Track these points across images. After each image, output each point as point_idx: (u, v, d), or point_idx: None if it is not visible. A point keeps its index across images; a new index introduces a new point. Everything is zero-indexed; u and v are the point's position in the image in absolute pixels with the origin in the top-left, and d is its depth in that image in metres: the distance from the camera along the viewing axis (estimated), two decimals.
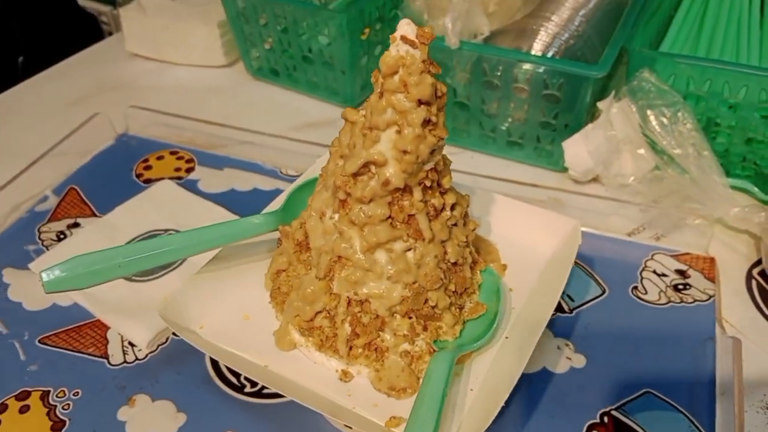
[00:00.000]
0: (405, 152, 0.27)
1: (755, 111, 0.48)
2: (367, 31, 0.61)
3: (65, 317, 0.45)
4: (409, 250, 0.29)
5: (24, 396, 0.40)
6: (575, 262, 0.46)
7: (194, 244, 0.34)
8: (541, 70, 0.50)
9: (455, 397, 0.30)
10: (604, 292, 0.45)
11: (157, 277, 0.46)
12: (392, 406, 0.30)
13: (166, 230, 0.50)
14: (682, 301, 0.44)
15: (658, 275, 0.46)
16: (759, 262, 0.47)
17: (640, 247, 0.48)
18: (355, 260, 0.29)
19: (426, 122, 0.27)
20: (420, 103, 0.26)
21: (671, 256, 0.47)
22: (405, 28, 0.26)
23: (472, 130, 0.57)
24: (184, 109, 0.62)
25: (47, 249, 0.50)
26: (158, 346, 0.42)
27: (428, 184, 0.29)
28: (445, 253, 0.30)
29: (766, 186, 0.51)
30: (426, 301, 0.30)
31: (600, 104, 0.51)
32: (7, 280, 0.47)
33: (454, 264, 0.31)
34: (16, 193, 0.54)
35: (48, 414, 0.39)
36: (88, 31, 1.17)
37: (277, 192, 0.50)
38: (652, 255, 0.47)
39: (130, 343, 0.42)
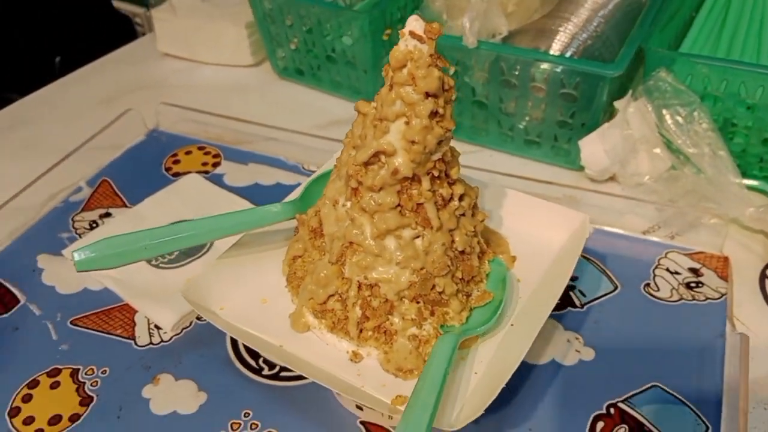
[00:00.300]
0: (413, 142, 0.28)
1: None
2: (388, 31, 0.62)
3: (96, 301, 0.47)
4: (418, 237, 0.30)
5: (55, 373, 0.42)
6: (587, 258, 0.47)
7: (216, 229, 0.36)
8: (557, 70, 0.51)
9: (460, 379, 0.31)
10: (616, 288, 0.45)
11: (182, 265, 0.49)
12: (399, 386, 0.31)
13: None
14: (693, 299, 0.44)
15: (671, 273, 0.46)
16: None
17: (654, 245, 0.49)
18: (365, 246, 0.30)
19: (433, 114, 0.28)
20: (427, 95, 0.28)
21: (685, 254, 0.47)
22: (413, 23, 0.27)
23: (490, 129, 0.59)
24: (213, 107, 0.64)
25: (80, 237, 0.52)
26: (182, 329, 0.44)
27: (436, 174, 0.30)
28: (453, 241, 0.31)
29: None
30: (433, 287, 0.31)
31: (617, 104, 0.52)
32: (42, 265, 0.50)
33: (462, 252, 0.32)
34: (52, 183, 0.57)
35: (77, 390, 0.41)
36: (123, 33, 1.21)
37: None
38: (666, 253, 0.48)
39: (156, 326, 0.45)
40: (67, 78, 0.77)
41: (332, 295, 0.32)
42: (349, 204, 0.31)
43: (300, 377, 0.40)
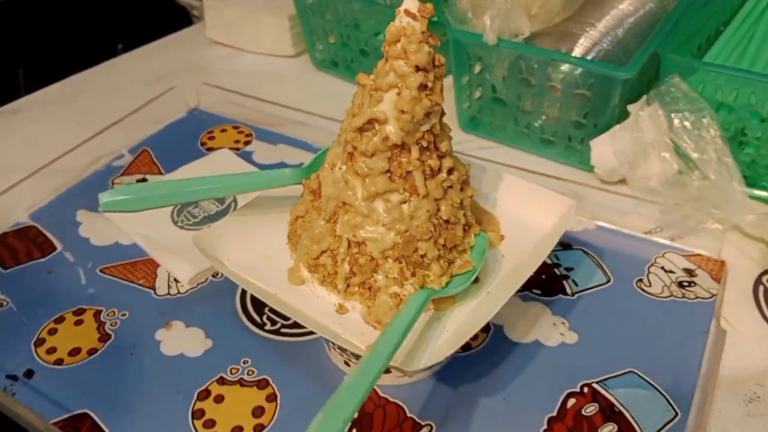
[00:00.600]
0: (403, 112, 0.31)
1: None
2: None
3: (124, 253, 0.51)
4: (405, 202, 0.33)
5: (80, 312, 0.46)
6: (585, 251, 0.49)
7: (230, 185, 0.39)
8: (573, 70, 0.53)
9: (432, 334, 0.34)
10: (609, 280, 0.47)
11: (203, 226, 0.52)
12: (375, 336, 0.34)
13: None
14: (683, 296, 0.45)
15: (666, 271, 0.47)
16: None
17: (653, 244, 0.50)
18: (356, 206, 0.33)
19: (423, 87, 0.31)
20: (417, 69, 0.31)
21: (682, 255, 0.49)
22: (409, 2, 0.30)
23: (508, 126, 0.61)
24: (250, 91, 0.69)
25: None
26: (198, 284, 0.48)
27: (425, 144, 0.33)
28: (438, 210, 0.34)
29: None
30: (416, 250, 0.34)
31: (630, 107, 0.53)
32: (80, 219, 0.55)
33: (447, 222, 0.35)
34: (97, 148, 0.62)
35: (98, 328, 0.45)
36: (180, 23, 1.28)
37: None
38: (664, 253, 0.49)
39: (175, 279, 0.48)
40: (122, 57, 0.82)
41: (324, 251, 0.35)
42: (344, 167, 0.34)
43: (297, 335, 0.44)
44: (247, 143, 0.64)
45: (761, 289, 0.46)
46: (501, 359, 0.42)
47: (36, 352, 0.43)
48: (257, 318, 0.45)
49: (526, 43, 0.57)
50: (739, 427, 0.38)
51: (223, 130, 0.66)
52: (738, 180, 0.49)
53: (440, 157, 0.34)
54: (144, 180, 0.59)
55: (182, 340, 0.44)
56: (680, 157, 0.52)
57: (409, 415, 0.39)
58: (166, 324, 0.45)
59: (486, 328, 0.43)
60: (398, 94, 0.31)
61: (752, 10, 0.65)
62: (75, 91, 0.75)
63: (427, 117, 0.32)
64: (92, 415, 0.39)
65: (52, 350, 0.43)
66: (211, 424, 0.39)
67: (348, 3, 0.67)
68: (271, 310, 0.45)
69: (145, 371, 0.42)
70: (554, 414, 0.38)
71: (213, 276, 0.49)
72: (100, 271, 0.50)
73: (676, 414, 0.38)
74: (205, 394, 0.40)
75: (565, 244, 0.50)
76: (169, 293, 0.48)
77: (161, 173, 0.60)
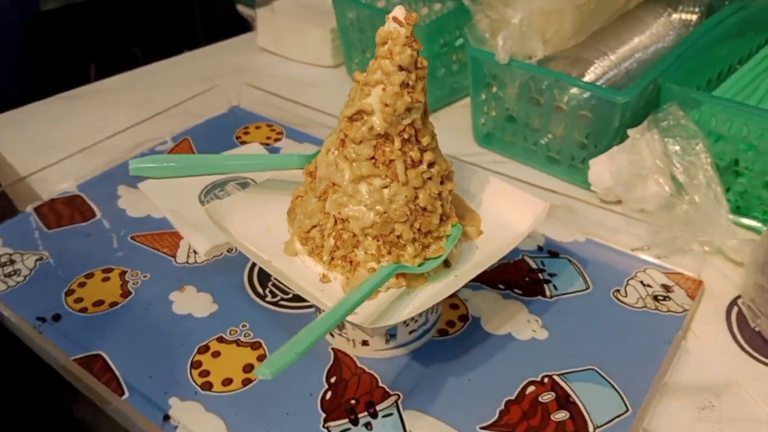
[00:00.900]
0: (386, 105, 0.35)
1: None
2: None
3: (154, 225, 0.57)
4: (386, 187, 0.37)
5: (108, 270, 0.52)
6: (570, 260, 0.52)
7: (243, 164, 0.45)
8: (577, 92, 0.56)
9: (399, 305, 0.38)
10: (588, 288, 0.50)
11: None
12: None
13: (244, 177, 0.62)
14: (656, 309, 0.48)
15: (644, 285, 0.50)
16: None
17: (637, 260, 0.53)
18: (343, 187, 0.38)
19: (405, 84, 0.35)
20: (401, 68, 0.35)
21: (662, 272, 0.51)
22: (397, 11, 0.35)
23: (517, 142, 0.64)
24: (288, 96, 0.74)
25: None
26: (213, 257, 0.53)
27: (406, 136, 0.37)
28: (416, 197, 0.38)
29: None
30: (393, 230, 0.38)
31: (630, 131, 0.56)
32: (120, 193, 0.61)
33: (424, 209, 0.39)
34: (144, 133, 0.68)
35: (121, 285, 0.51)
36: (241, 31, 1.37)
37: None
38: (645, 269, 0.52)
39: (194, 251, 0.54)
40: (180, 57, 0.90)
41: (315, 226, 0.40)
42: (336, 152, 0.38)
43: (293, 307, 0.48)
44: (277, 140, 0.70)
45: (735, 310, 0.48)
46: (473, 346, 0.45)
47: (65, 300, 0.49)
48: (260, 290, 0.50)
49: (539, 65, 0.61)
50: (686, 429, 0.40)
51: (258, 127, 0.72)
52: (724, 206, 0.51)
53: (422, 151, 0.38)
54: None
55: (192, 302, 0.49)
56: (673, 181, 0.54)
57: (380, 384, 0.43)
58: (180, 287, 0.50)
59: (464, 318, 0.47)
60: (383, 89, 0.36)
61: None
62: (131, 83, 0.83)
63: (408, 112, 0.36)
64: (104, 356, 0.45)
65: (79, 300, 0.49)
66: (205, 373, 0.44)
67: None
68: (274, 285, 0.50)
69: (156, 325, 0.47)
70: (513, 397, 0.41)
71: (228, 251, 0.54)
72: (131, 238, 0.56)
73: (627, 410, 0.40)
74: (204, 349, 0.45)
75: (553, 253, 0.53)
76: (187, 262, 0.53)
77: None
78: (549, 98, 0.59)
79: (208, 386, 0.43)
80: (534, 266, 0.52)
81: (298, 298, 0.49)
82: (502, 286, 0.50)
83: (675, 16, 0.69)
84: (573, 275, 0.51)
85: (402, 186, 0.38)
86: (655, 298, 0.49)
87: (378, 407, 0.41)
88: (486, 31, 0.61)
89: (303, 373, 0.43)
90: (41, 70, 1.27)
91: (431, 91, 0.72)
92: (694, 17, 0.68)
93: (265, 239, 0.43)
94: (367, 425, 0.40)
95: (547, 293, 0.49)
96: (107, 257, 0.54)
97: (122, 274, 0.52)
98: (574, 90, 0.57)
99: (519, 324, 0.47)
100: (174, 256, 0.54)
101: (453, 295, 0.48)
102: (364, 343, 0.43)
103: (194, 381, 0.43)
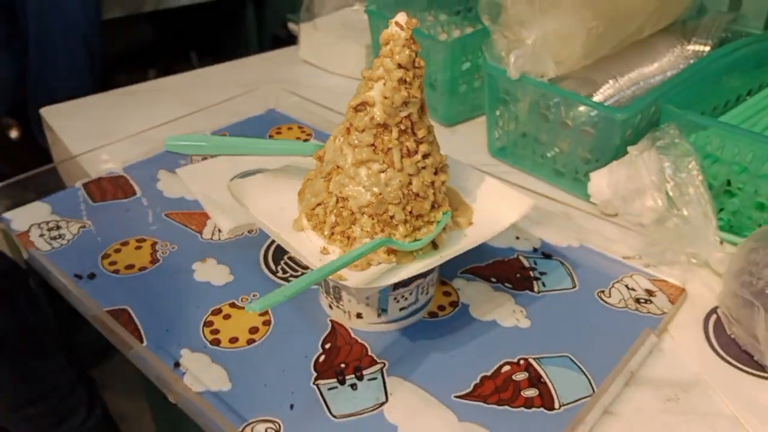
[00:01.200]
0: (386, 97, 0.40)
1: (762, 176, 0.54)
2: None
3: (186, 205, 0.63)
4: (383, 172, 0.42)
5: (141, 240, 0.58)
6: (562, 262, 0.56)
7: (267, 148, 0.51)
8: (581, 109, 0.60)
9: (388, 276, 0.42)
10: (574, 287, 0.53)
11: None
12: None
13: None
14: (636, 310, 0.51)
15: (628, 288, 0.53)
16: None
17: (625, 266, 0.56)
18: (345, 169, 0.43)
19: (402, 81, 0.40)
20: (399, 66, 0.40)
21: (648, 279, 0.54)
22: (399, 17, 0.40)
23: (527, 155, 0.68)
24: (322, 103, 0.81)
25: (191, 163, 0.70)
26: (235, 236, 0.59)
27: (403, 128, 0.42)
28: (410, 183, 0.42)
29: None
30: (386, 211, 0.42)
31: (630, 148, 0.60)
32: (160, 177, 0.68)
33: (417, 195, 0.43)
34: (186, 126, 0.75)
35: (151, 254, 0.57)
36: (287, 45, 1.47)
37: None
38: (632, 274, 0.55)
39: (219, 230, 0.60)
40: (226, 64, 0.98)
41: (319, 204, 0.45)
42: (342, 139, 0.43)
43: None
44: (305, 140, 0.76)
45: (713, 318, 0.51)
46: (459, 328, 0.49)
47: (101, 262, 0.56)
48: (274, 267, 0.55)
49: (551, 83, 0.65)
50: (649, 417, 0.43)
51: (290, 128, 0.78)
52: (713, 221, 0.54)
53: (417, 142, 0.43)
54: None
55: (211, 272, 0.55)
56: (666, 197, 0.58)
57: (369, 353, 0.47)
58: (203, 259, 0.56)
59: (455, 304, 0.51)
60: (384, 84, 0.41)
61: None
62: (182, 84, 0.91)
63: (405, 105, 0.41)
64: (130, 310, 0.51)
65: (113, 263, 0.56)
66: (216, 332, 0.49)
67: (419, 40, 0.77)
68: (286, 263, 0.55)
69: (178, 289, 0.53)
70: (488, 374, 0.45)
71: (248, 232, 0.59)
72: (165, 215, 0.62)
73: (594, 392, 0.44)
74: (217, 311, 0.51)
75: (547, 255, 0.57)
76: (211, 238, 0.59)
77: None
78: (557, 114, 0.63)
79: (216, 342, 0.48)
80: (527, 264, 0.55)
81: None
82: (494, 279, 0.54)
83: (689, 47, 0.72)
84: (562, 275, 0.54)
85: (397, 172, 0.42)
86: (637, 300, 0.52)
87: (365, 372, 0.45)
88: (502, 49, 0.65)
89: (302, 338, 0.48)
90: (105, 70, 1.38)
91: (452, 105, 0.77)
92: (707, 48, 0.71)
93: (278, 216, 0.48)
94: (353, 386, 0.44)
95: (536, 289, 0.53)
96: (142, 229, 0.60)
97: (153, 244, 0.58)
98: (581, 108, 0.61)
99: (505, 312, 0.50)
100: (200, 233, 0.60)
101: (447, 284, 0.53)
102: (359, 315, 0.48)
103: (205, 337, 0.48)
